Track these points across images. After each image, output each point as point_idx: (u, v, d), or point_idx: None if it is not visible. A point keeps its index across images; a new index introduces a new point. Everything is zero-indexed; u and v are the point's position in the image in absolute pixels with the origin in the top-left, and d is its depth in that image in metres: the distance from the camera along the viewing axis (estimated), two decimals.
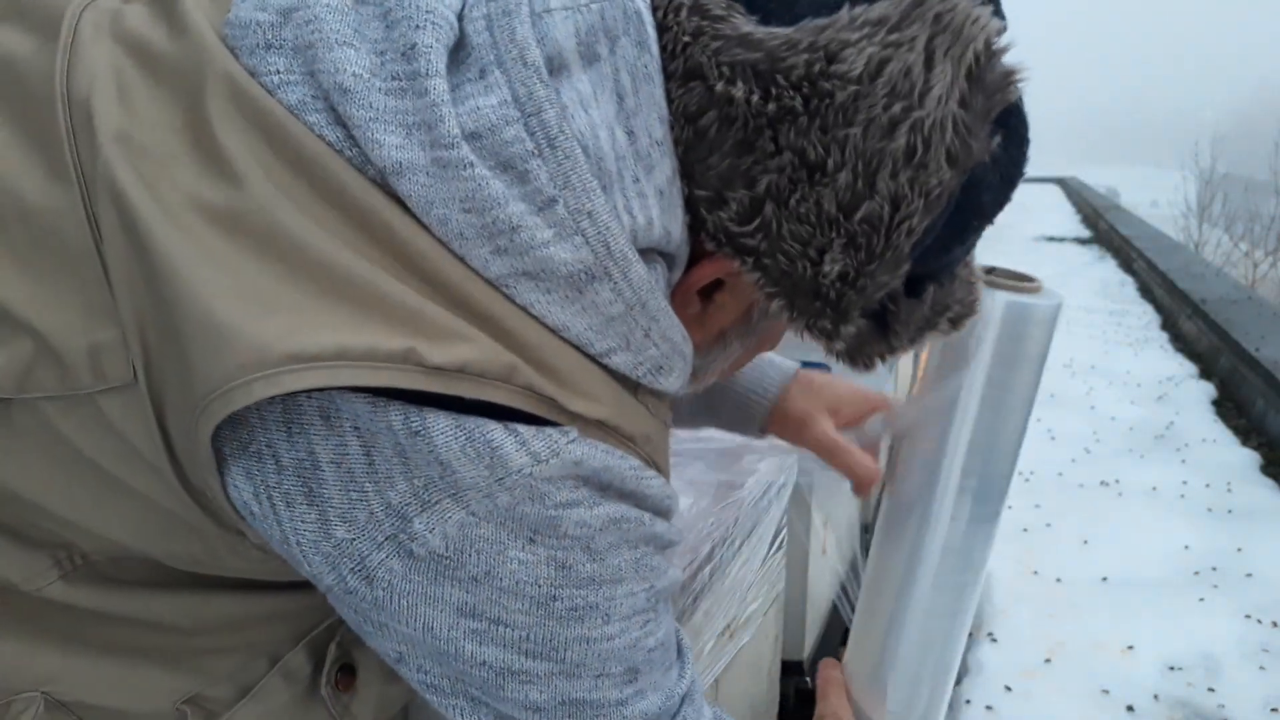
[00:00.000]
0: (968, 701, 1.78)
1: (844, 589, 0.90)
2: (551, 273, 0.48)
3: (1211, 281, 5.65)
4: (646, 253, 0.53)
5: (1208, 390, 3.87)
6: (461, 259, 0.48)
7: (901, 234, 0.53)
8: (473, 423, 0.47)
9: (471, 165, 0.47)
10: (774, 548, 1.21)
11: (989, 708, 1.76)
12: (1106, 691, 1.80)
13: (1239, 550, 2.40)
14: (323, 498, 0.47)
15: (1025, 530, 2.54)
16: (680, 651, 0.62)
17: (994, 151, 0.54)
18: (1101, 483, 2.88)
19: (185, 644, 0.59)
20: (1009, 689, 1.81)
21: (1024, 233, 9.83)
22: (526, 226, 0.48)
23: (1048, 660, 1.91)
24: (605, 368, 0.53)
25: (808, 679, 1.52)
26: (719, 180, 0.53)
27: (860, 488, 0.81)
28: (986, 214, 0.58)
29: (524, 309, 0.49)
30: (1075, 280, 6.92)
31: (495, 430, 0.47)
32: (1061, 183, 15.63)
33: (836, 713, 0.80)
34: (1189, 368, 4.25)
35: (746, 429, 0.91)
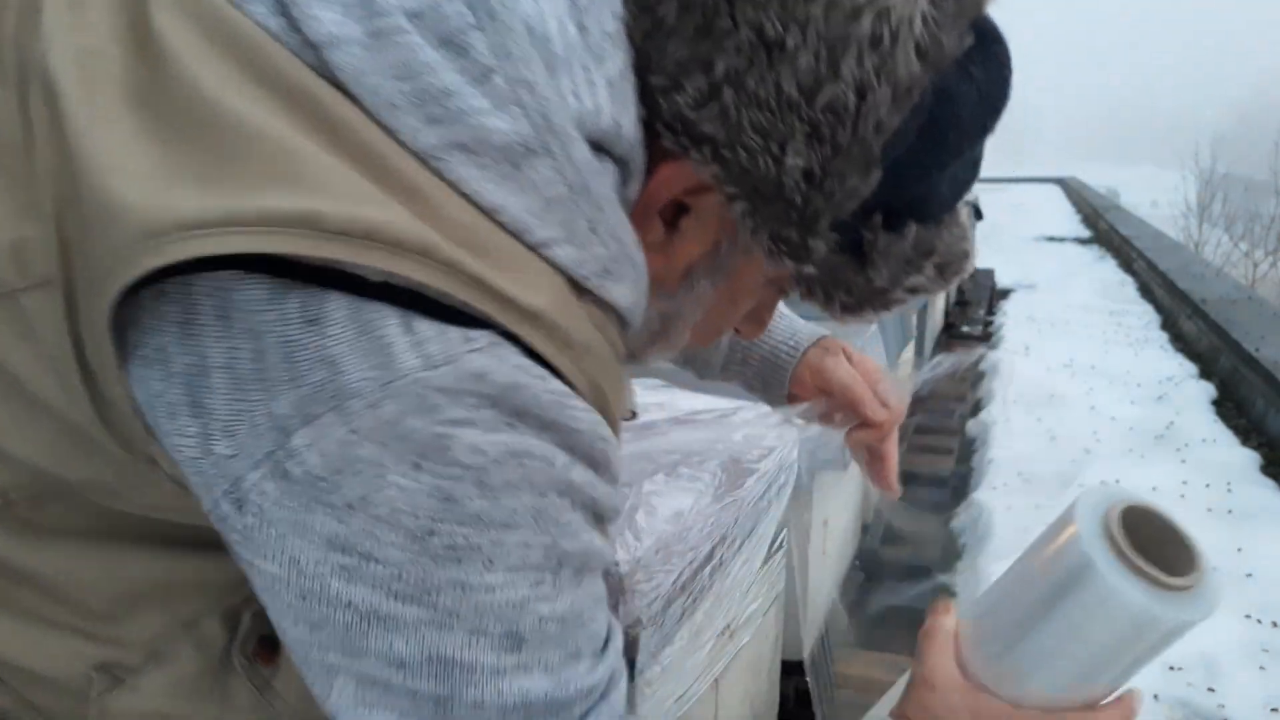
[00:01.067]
0: None
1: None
2: (486, 143, 0.46)
3: (1211, 281, 5.65)
4: (595, 147, 0.51)
5: (1208, 390, 3.87)
6: (391, 131, 0.45)
7: (868, 126, 0.51)
8: (372, 311, 0.43)
9: (407, 33, 0.46)
10: (774, 548, 1.21)
11: None
12: None
13: (1239, 550, 2.40)
14: (207, 409, 0.44)
15: (1025, 530, 2.54)
16: (603, 647, 0.55)
17: (971, 68, 0.53)
18: (1101, 483, 2.87)
19: (101, 608, 0.57)
20: None
21: (1024, 233, 9.83)
22: (461, 94, 0.46)
23: None
24: (550, 262, 0.49)
25: (807, 679, 1.52)
26: (676, 67, 0.52)
27: (867, 426, 0.86)
28: (965, 132, 0.55)
29: (454, 185, 0.46)
30: (1075, 280, 6.92)
31: (392, 325, 0.44)
32: (1061, 183, 15.62)
33: (931, 678, 0.65)
34: (1189, 368, 4.25)
35: (773, 386, 0.91)
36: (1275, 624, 2.05)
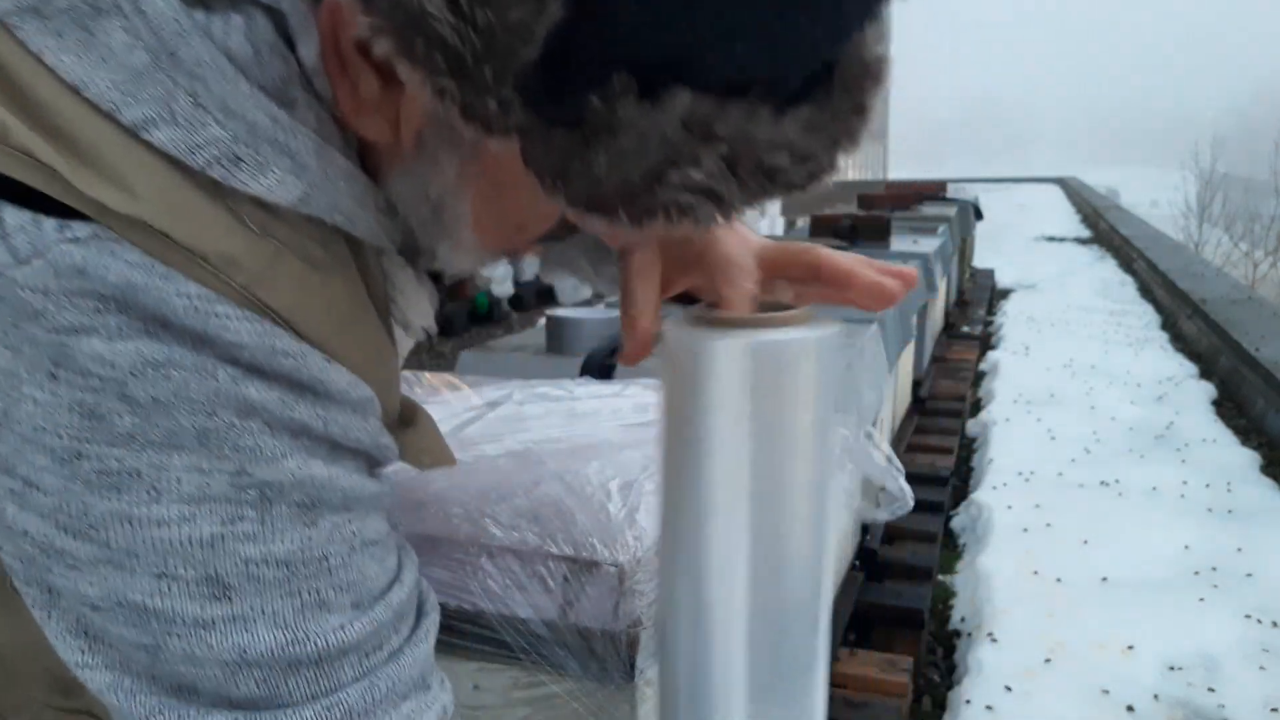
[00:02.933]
0: (968, 701, 1.78)
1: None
2: (52, 4, 0.39)
3: (1211, 281, 5.66)
4: None
5: (1208, 390, 3.87)
6: None
7: None
8: None
9: None
10: None
11: (989, 708, 1.76)
12: (1106, 691, 1.80)
13: (1239, 550, 2.40)
14: None
15: (1025, 530, 2.54)
16: (376, 597, 0.47)
17: None
18: (1101, 483, 2.88)
19: None
20: (1009, 689, 1.81)
21: (1024, 233, 9.83)
22: None
23: (1048, 660, 1.91)
24: (154, 150, 0.40)
25: None
26: None
27: (626, 357, 0.57)
28: None
29: (37, 58, 0.39)
30: (1075, 280, 6.92)
31: None
32: (1061, 183, 15.64)
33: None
34: (1189, 368, 4.25)
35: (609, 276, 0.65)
36: (1275, 624, 2.05)
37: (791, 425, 0.55)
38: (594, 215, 0.42)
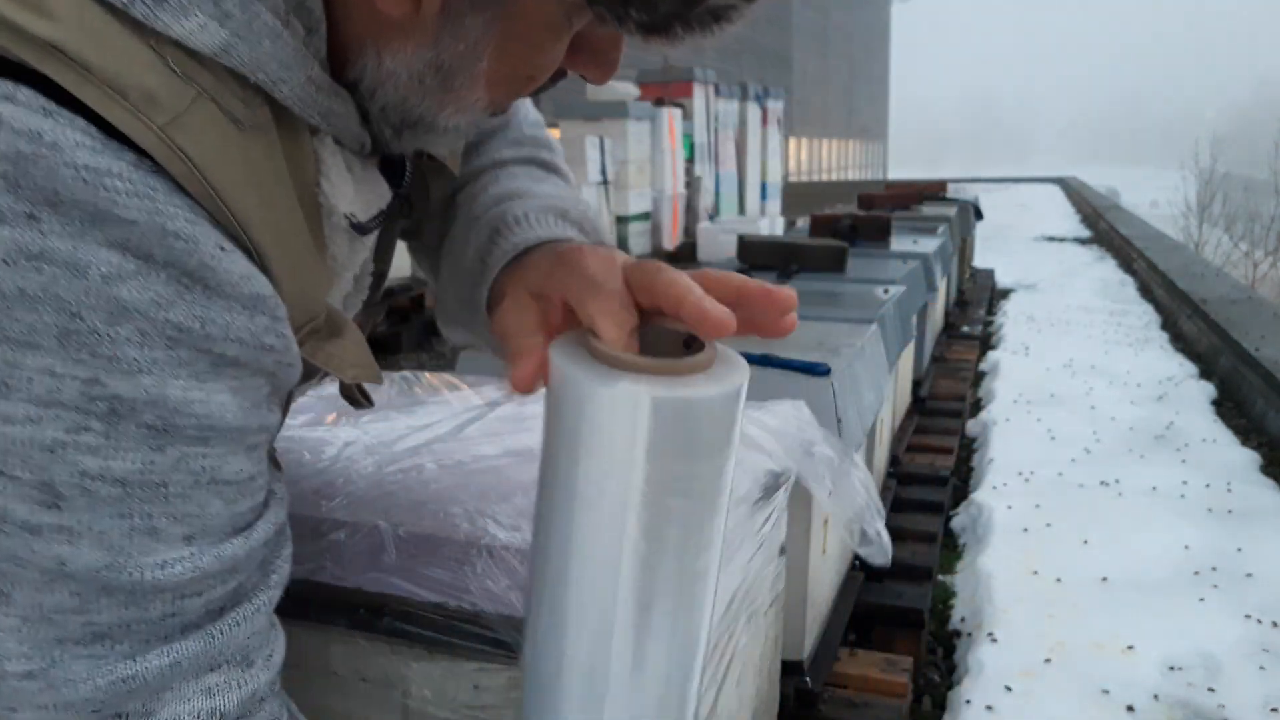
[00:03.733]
0: (968, 702, 1.78)
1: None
2: None
3: (1211, 281, 5.66)
4: None
5: (1208, 390, 3.87)
6: None
7: None
8: None
9: None
10: (774, 547, 1.21)
11: (989, 708, 1.76)
12: (1106, 691, 1.80)
13: (1239, 550, 2.40)
14: None
15: (1025, 530, 2.54)
16: (218, 539, 0.45)
17: None
18: (1101, 483, 2.87)
19: None
20: (1009, 689, 1.81)
21: (1024, 233, 9.83)
22: None
23: (1048, 660, 1.91)
24: None
25: (807, 679, 1.52)
26: None
27: (514, 384, 0.56)
28: None
29: None
30: (1075, 280, 6.92)
31: None
32: (1061, 183, 15.64)
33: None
34: (1189, 368, 4.25)
35: (475, 319, 0.66)
36: (1275, 624, 2.05)
37: (689, 485, 0.49)
38: (653, 38, 0.47)
